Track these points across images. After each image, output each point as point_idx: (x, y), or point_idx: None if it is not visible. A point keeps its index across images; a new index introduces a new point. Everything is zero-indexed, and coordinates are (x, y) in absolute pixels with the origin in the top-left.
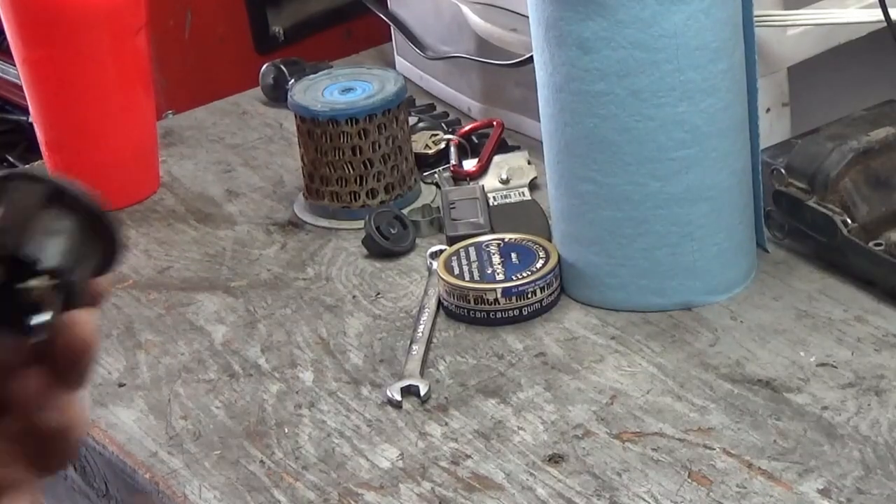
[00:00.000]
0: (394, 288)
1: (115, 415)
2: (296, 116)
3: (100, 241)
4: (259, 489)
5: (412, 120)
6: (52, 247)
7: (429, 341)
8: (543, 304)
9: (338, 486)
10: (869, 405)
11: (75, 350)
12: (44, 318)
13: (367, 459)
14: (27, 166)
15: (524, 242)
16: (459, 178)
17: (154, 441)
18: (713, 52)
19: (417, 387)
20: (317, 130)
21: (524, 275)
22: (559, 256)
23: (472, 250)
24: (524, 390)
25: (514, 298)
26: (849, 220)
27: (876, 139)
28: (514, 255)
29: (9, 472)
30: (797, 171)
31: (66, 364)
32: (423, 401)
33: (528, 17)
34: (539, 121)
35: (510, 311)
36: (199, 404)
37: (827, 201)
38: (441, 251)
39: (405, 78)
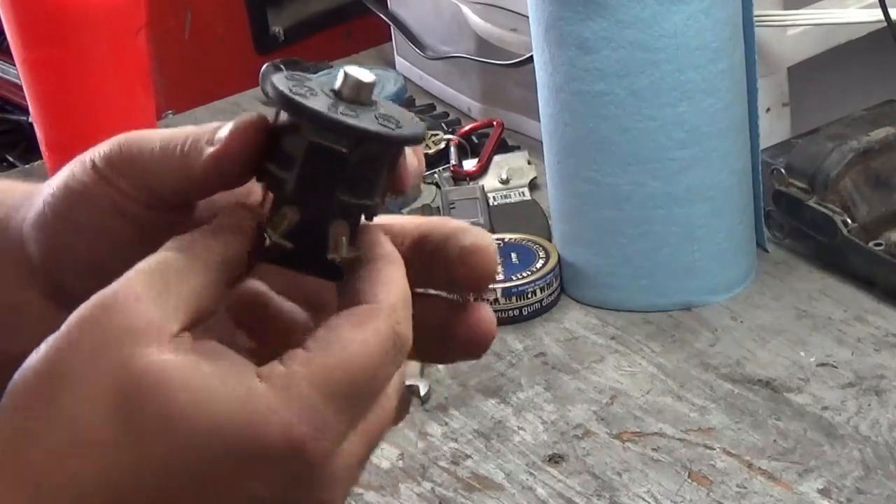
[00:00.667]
0: None
1: None
2: None
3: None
4: None
5: None
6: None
7: None
8: (543, 304)
9: None
10: (869, 405)
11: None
12: (351, 252)
13: None
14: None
15: (524, 242)
16: (459, 178)
17: None
18: (713, 52)
19: (417, 387)
20: None
21: (524, 275)
22: (559, 256)
23: None
24: (524, 390)
25: (514, 298)
26: (849, 220)
27: (876, 139)
28: (514, 255)
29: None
30: (797, 171)
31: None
32: (424, 401)
33: (528, 17)
34: (539, 121)
35: (510, 311)
36: None
37: (827, 201)
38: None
39: (405, 78)
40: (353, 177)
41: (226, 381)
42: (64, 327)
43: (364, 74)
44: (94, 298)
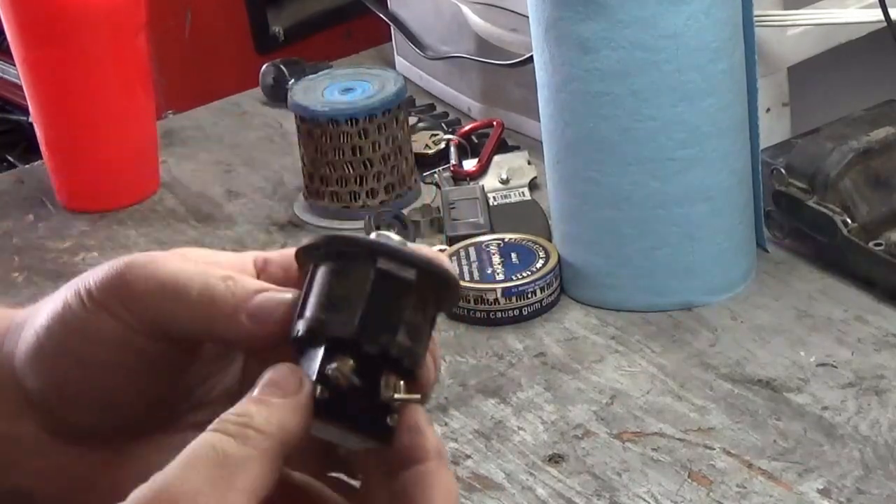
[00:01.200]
0: None
1: None
2: (296, 116)
3: (433, 293)
4: None
5: (412, 120)
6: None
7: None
8: (543, 304)
9: None
10: (869, 405)
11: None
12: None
13: None
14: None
15: (524, 242)
16: (459, 178)
17: None
18: (713, 52)
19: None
20: (317, 130)
21: (524, 275)
22: (559, 256)
23: (472, 250)
24: (524, 390)
25: (514, 298)
26: (849, 220)
27: (876, 139)
28: (514, 255)
29: None
30: (797, 171)
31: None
32: None
33: (528, 17)
34: (539, 121)
35: (510, 311)
36: None
37: (827, 201)
38: (441, 251)
39: (405, 78)
40: (412, 317)
41: None
42: None
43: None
44: (152, 484)
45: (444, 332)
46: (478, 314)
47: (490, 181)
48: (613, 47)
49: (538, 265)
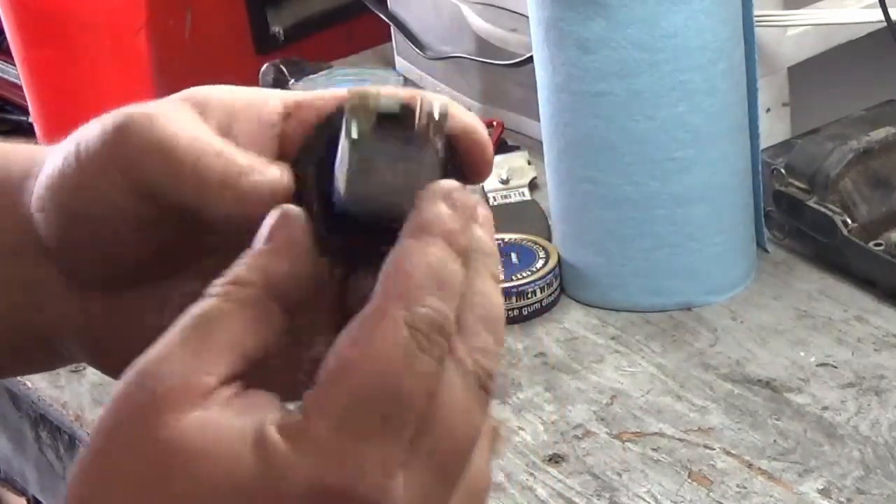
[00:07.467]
0: None
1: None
2: None
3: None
4: None
5: None
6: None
7: None
8: (543, 304)
9: None
10: (869, 405)
11: None
12: None
13: None
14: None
15: (524, 242)
16: None
17: None
18: (713, 52)
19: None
20: None
21: (524, 275)
22: (559, 256)
23: None
24: (524, 390)
25: (514, 298)
26: (849, 220)
27: (876, 139)
28: (514, 255)
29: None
30: (797, 171)
31: None
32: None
33: (528, 17)
34: (539, 121)
35: (510, 311)
36: None
37: (827, 201)
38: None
39: (405, 78)
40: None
41: (246, 441)
42: (106, 409)
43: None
44: (133, 366)
45: None
46: None
47: (490, 181)
48: (613, 47)
49: (538, 265)
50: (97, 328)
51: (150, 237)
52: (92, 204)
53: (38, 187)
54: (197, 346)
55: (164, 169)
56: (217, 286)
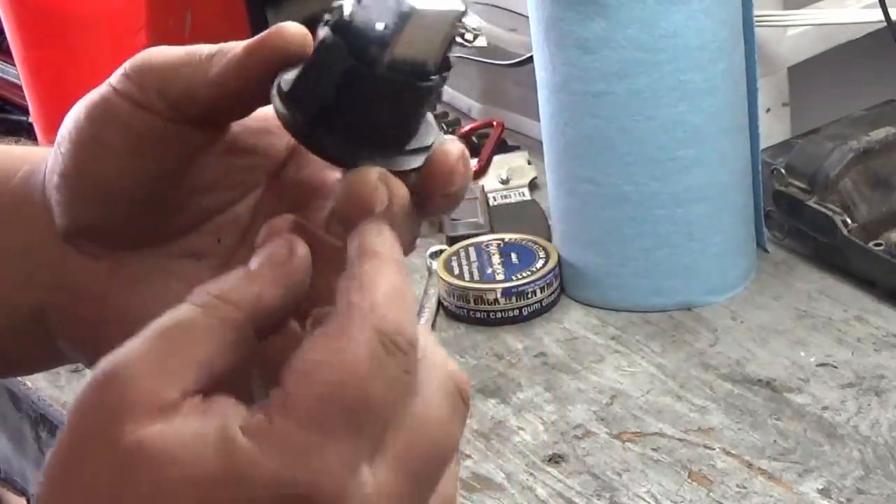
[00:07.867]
0: None
1: None
2: None
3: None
4: None
5: None
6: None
7: None
8: (543, 304)
9: None
10: (869, 405)
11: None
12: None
13: None
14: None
15: (524, 242)
16: None
17: None
18: (713, 52)
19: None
20: None
21: (524, 275)
22: (559, 256)
23: (472, 250)
24: (524, 390)
25: (514, 298)
26: (849, 220)
27: (876, 139)
28: (514, 255)
29: None
30: (797, 171)
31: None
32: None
33: (528, 17)
34: (539, 121)
35: (510, 311)
36: None
37: (827, 201)
38: (441, 251)
39: None
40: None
41: (208, 442)
42: (72, 407)
43: None
44: (103, 363)
45: (443, 332)
46: (478, 314)
47: (490, 181)
48: (613, 47)
49: (538, 265)
50: (79, 296)
51: (148, 174)
52: (109, 125)
53: (55, 152)
54: (167, 357)
55: (180, 66)
56: (203, 294)
